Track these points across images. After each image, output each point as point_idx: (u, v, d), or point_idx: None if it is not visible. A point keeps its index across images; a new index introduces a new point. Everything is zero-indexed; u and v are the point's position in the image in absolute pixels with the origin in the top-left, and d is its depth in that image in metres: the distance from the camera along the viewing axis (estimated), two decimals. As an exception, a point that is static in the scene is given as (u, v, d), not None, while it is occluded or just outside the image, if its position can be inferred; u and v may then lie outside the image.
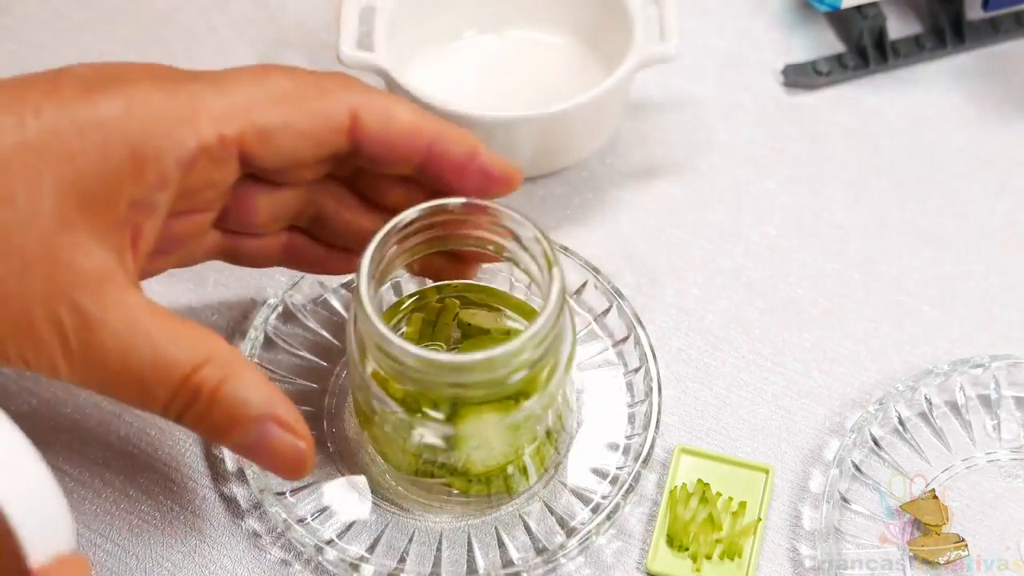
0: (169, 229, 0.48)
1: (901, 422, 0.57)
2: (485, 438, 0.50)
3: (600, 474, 0.55)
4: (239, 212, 0.50)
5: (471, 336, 0.54)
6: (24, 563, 0.38)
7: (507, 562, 0.53)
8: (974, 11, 0.70)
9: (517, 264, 0.51)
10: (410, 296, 0.55)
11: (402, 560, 0.53)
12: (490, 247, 0.51)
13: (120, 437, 0.57)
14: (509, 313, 0.55)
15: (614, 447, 0.56)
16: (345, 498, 0.54)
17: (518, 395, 0.49)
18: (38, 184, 0.44)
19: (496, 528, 0.54)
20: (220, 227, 0.51)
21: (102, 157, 0.44)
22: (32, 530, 0.38)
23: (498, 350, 0.47)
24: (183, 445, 0.57)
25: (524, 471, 0.53)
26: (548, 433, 0.53)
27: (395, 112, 0.48)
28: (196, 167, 0.46)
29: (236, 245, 0.52)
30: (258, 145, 0.47)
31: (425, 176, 0.50)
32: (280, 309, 0.58)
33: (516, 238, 0.50)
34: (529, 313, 0.54)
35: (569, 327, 0.50)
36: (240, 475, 0.55)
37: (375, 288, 0.48)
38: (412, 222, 0.49)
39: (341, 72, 0.50)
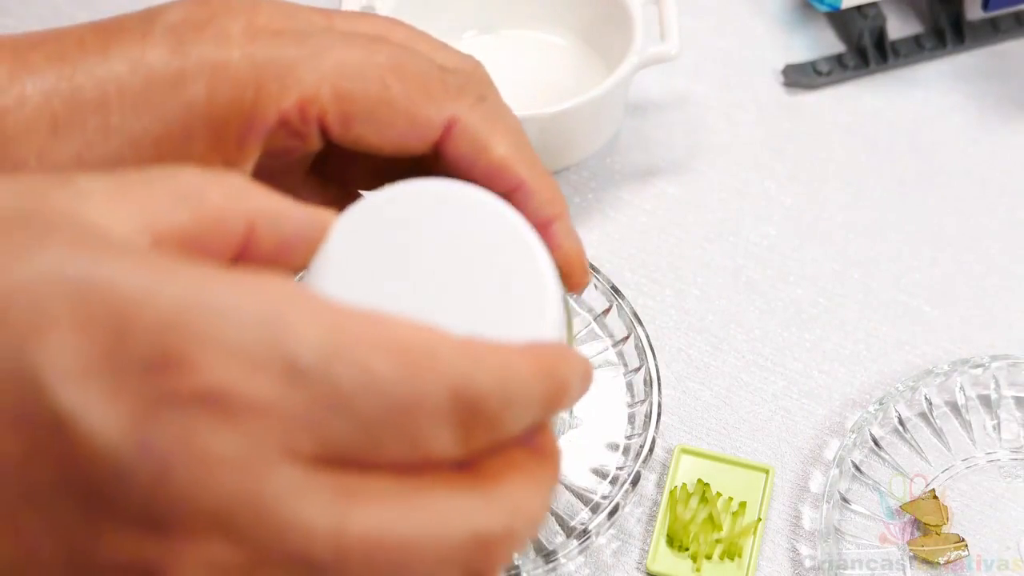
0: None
1: (901, 422, 0.57)
2: None
3: (600, 474, 0.55)
4: (337, 164, 0.47)
5: None
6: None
7: (507, 562, 0.53)
8: (974, 11, 0.70)
9: None
10: None
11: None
12: None
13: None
14: None
15: (614, 447, 0.56)
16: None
17: None
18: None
19: (496, 528, 0.54)
20: (324, 176, 0.47)
21: (186, 136, 0.42)
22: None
23: None
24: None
25: None
26: None
27: (491, 143, 0.43)
28: (275, 136, 0.43)
29: (349, 199, 0.47)
30: (337, 126, 0.43)
31: None
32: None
33: None
34: None
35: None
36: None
37: None
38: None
39: (465, 67, 0.45)
